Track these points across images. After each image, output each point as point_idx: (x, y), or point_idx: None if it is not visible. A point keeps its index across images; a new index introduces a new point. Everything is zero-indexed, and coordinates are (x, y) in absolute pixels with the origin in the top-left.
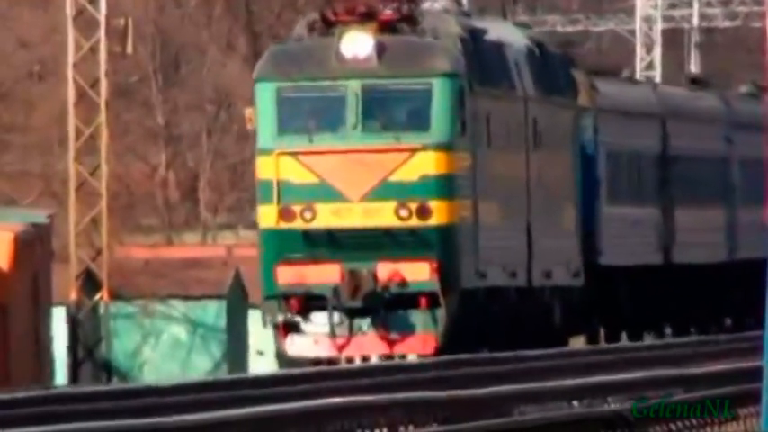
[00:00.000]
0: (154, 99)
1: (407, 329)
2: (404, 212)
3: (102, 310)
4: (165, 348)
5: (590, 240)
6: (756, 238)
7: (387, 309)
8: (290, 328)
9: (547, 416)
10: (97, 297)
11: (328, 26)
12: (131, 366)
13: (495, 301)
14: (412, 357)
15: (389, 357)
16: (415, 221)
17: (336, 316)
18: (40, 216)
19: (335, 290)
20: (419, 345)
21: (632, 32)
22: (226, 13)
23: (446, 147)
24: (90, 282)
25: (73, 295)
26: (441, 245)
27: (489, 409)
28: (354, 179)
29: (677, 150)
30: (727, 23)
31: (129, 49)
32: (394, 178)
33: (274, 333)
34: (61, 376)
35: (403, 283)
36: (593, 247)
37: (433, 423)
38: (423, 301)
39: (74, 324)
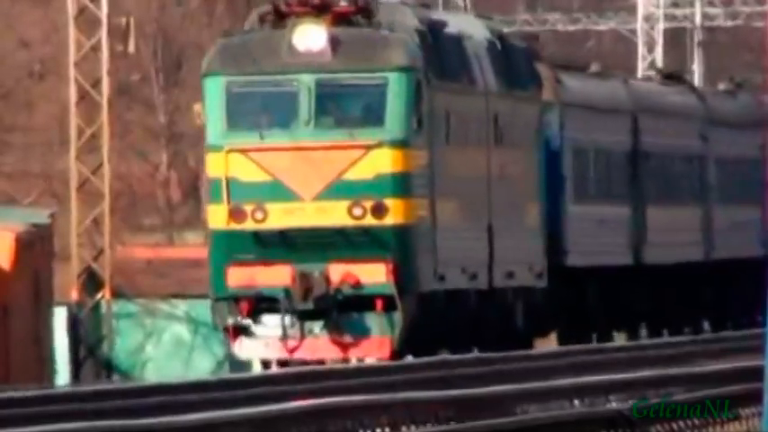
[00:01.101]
0: (155, 98)
1: (362, 333)
2: (358, 211)
3: (104, 309)
4: (166, 348)
5: (555, 240)
6: (733, 237)
7: (340, 311)
8: (240, 330)
9: (548, 415)
10: (99, 296)
11: (281, 18)
12: (133, 365)
13: (455, 304)
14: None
15: (345, 360)
16: (369, 221)
17: (288, 319)
18: (42, 216)
19: (287, 292)
20: (374, 349)
21: (634, 32)
22: (227, 12)
23: (402, 143)
24: (91, 281)
25: (74, 295)
26: (397, 245)
27: (491, 408)
28: (307, 177)
29: (649, 147)
30: (728, 23)
31: (131, 48)
32: (348, 176)
33: (224, 336)
34: (63, 375)
35: (357, 284)
36: (558, 248)
37: (435, 422)
38: (378, 303)
39: (75, 323)
